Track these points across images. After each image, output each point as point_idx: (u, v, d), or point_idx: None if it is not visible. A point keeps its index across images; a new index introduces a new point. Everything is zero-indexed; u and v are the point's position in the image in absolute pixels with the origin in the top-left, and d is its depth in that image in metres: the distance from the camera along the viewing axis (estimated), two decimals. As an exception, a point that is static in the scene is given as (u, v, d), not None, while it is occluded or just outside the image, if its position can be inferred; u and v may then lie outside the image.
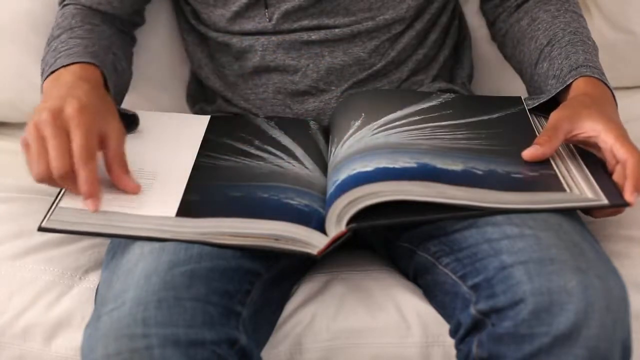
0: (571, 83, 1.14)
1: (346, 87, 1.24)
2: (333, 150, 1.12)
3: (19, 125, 1.41)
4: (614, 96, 1.13)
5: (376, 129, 1.11)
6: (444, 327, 1.05)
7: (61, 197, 1.02)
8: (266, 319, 1.04)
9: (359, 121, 1.14)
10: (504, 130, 1.12)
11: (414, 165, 1.02)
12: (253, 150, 1.14)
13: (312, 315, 1.08)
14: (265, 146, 1.15)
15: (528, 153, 1.05)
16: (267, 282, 1.03)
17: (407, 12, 1.25)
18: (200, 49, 1.32)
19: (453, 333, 1.01)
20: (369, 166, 1.02)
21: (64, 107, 1.00)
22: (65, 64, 1.11)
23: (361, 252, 1.18)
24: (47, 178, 0.99)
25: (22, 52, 1.38)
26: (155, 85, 1.42)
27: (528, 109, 1.17)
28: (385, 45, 1.25)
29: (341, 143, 1.11)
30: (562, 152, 1.08)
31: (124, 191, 1.02)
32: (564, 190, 1.01)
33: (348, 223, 0.98)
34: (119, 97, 1.21)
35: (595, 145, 1.05)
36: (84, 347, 0.93)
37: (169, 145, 1.14)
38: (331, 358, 1.07)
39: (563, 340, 0.91)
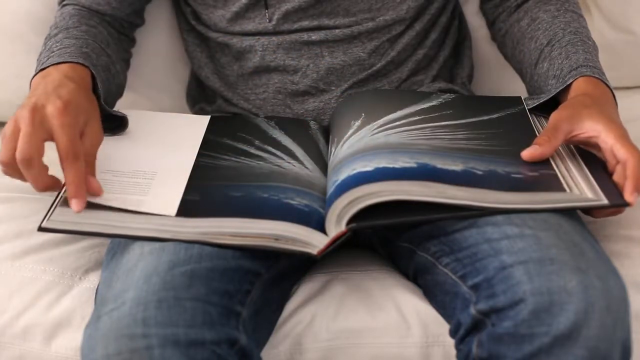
0: (571, 83, 1.14)
1: (346, 87, 1.24)
2: (333, 150, 1.12)
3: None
4: (614, 96, 1.13)
5: (376, 129, 1.11)
6: (444, 327, 1.05)
7: (61, 197, 1.02)
8: (266, 319, 1.04)
9: (359, 121, 1.14)
10: (504, 131, 1.12)
11: (414, 165, 1.02)
12: (253, 150, 1.14)
13: (312, 315, 1.08)
14: (266, 146, 1.15)
15: (527, 153, 1.05)
16: (267, 282, 1.03)
17: (407, 13, 1.25)
18: (200, 49, 1.32)
19: (453, 333, 1.01)
20: (369, 166, 1.02)
21: (46, 105, 1.00)
22: (55, 62, 1.11)
23: (361, 252, 1.18)
24: (8, 162, 0.99)
25: (22, 52, 1.38)
26: (155, 85, 1.42)
27: (528, 109, 1.17)
28: (385, 45, 1.25)
29: (341, 143, 1.11)
30: (562, 152, 1.08)
31: (88, 189, 1.01)
32: (564, 190, 1.01)
33: (348, 223, 0.98)
34: (110, 99, 1.20)
35: (596, 146, 1.05)
36: (83, 347, 0.93)
37: (169, 145, 1.14)
38: (331, 358, 1.07)
39: (563, 340, 0.91)
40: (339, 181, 1.01)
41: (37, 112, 1.00)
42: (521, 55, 1.26)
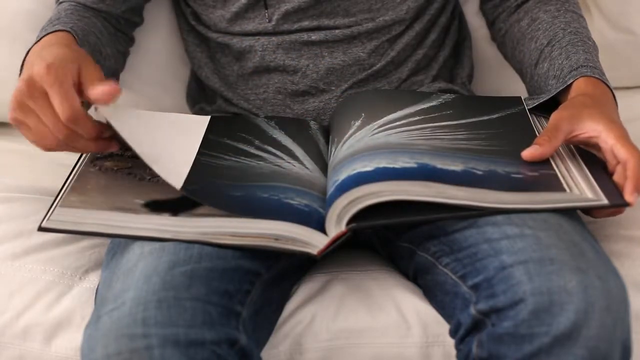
0: (572, 83, 1.14)
1: (346, 87, 1.24)
2: (333, 151, 1.12)
3: (19, 126, 1.41)
4: (614, 96, 1.13)
5: (376, 129, 1.11)
6: (444, 327, 1.05)
7: (61, 197, 1.02)
8: (266, 319, 1.04)
9: (359, 121, 1.14)
10: (504, 131, 1.12)
11: (414, 165, 1.02)
12: (253, 150, 1.14)
13: (312, 315, 1.08)
14: (266, 146, 1.15)
15: (528, 153, 1.04)
16: (267, 282, 1.03)
17: (406, 14, 1.25)
18: (200, 49, 1.32)
19: (453, 333, 1.01)
20: (369, 166, 1.02)
21: (33, 72, 1.00)
22: (40, 36, 1.13)
23: (361, 252, 1.18)
24: (55, 147, 1.00)
25: (22, 52, 1.37)
26: (155, 85, 1.42)
27: (528, 109, 1.17)
28: (384, 45, 1.25)
29: (341, 143, 1.11)
30: (562, 152, 1.08)
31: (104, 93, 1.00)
32: (564, 190, 1.01)
33: (348, 223, 0.98)
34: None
35: (596, 146, 1.05)
36: (83, 347, 0.93)
37: (169, 145, 1.14)
38: (331, 358, 1.07)
39: (563, 340, 0.91)
40: (339, 181, 1.01)
41: (31, 84, 0.99)
42: (521, 55, 1.26)
